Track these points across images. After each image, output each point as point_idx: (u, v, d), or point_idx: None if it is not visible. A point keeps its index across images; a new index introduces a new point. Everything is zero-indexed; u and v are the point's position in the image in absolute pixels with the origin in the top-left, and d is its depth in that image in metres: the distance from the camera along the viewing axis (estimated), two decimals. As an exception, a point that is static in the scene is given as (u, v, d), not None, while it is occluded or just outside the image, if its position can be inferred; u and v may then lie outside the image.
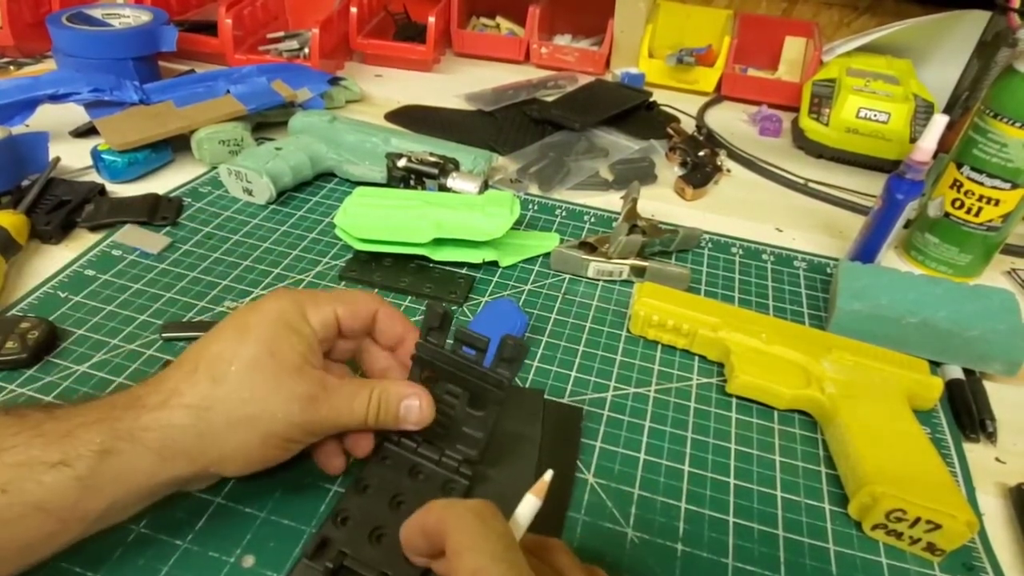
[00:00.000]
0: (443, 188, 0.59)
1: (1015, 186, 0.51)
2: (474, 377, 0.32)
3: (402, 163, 0.59)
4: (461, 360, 0.32)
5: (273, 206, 0.60)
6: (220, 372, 0.29)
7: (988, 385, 0.46)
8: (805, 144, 0.78)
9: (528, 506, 0.26)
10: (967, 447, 0.42)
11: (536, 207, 0.63)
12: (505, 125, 0.77)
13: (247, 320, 0.31)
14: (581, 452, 0.39)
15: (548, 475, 0.27)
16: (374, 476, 0.33)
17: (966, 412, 0.43)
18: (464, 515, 0.24)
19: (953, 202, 0.54)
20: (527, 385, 0.43)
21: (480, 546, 0.23)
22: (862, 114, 0.73)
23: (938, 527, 0.33)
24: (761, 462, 0.39)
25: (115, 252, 0.52)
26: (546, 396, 0.41)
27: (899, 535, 0.35)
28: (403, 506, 0.32)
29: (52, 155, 0.60)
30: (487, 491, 0.33)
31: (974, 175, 0.52)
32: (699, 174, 0.68)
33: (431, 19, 0.89)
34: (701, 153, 0.71)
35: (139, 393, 0.29)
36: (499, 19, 1.03)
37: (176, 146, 0.65)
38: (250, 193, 0.60)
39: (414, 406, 0.33)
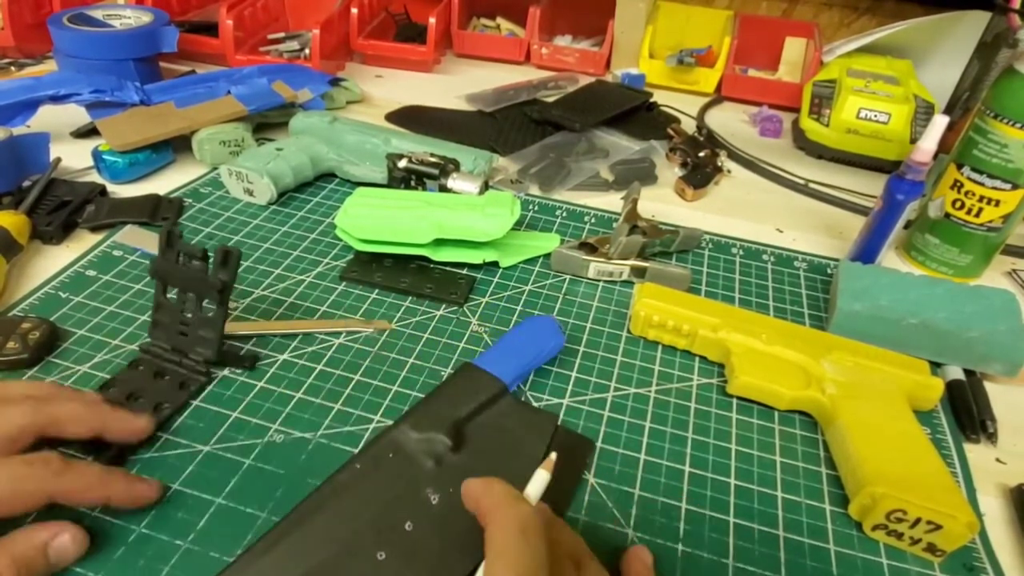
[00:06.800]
0: (443, 189, 0.59)
1: (1015, 187, 0.51)
2: (199, 281, 0.39)
3: (402, 164, 0.59)
4: (188, 270, 0.40)
5: (274, 207, 0.60)
6: None
7: (988, 386, 0.46)
8: (805, 145, 0.78)
9: (539, 481, 0.29)
10: (967, 448, 0.42)
11: (536, 208, 0.63)
12: (505, 126, 0.77)
13: None
14: (581, 453, 0.39)
15: (553, 455, 0.30)
16: (125, 380, 0.40)
17: (966, 413, 0.43)
18: (511, 522, 0.26)
19: (953, 203, 0.55)
20: (527, 385, 0.43)
21: (514, 561, 0.25)
22: (862, 115, 0.73)
23: (938, 528, 0.34)
24: (761, 463, 0.39)
25: (116, 253, 0.52)
26: (558, 415, 0.41)
27: (899, 536, 0.35)
28: (140, 400, 0.39)
29: (53, 156, 0.60)
30: None
31: (974, 176, 0.53)
32: (699, 175, 0.68)
33: (431, 20, 0.89)
34: (701, 154, 0.71)
35: None
36: (499, 20, 1.03)
37: (177, 147, 0.65)
38: (251, 194, 0.60)
39: (65, 542, 0.30)
